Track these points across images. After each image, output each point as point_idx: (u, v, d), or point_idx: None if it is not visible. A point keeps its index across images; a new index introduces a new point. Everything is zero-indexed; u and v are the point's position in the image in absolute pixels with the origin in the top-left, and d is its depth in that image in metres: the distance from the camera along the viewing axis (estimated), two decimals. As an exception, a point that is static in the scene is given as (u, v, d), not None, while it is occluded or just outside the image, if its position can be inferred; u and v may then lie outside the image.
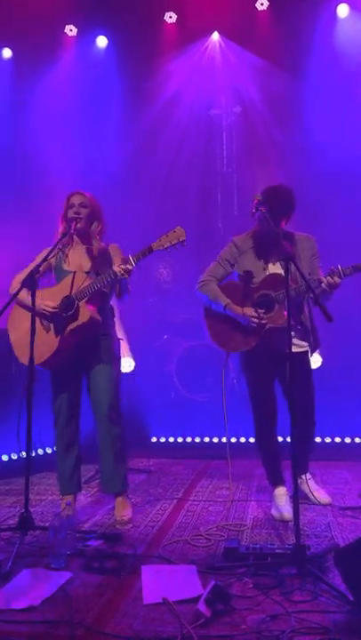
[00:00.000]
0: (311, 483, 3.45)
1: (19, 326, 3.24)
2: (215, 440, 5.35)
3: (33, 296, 2.94)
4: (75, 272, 3.21)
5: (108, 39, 6.49)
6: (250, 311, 3.23)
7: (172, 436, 5.44)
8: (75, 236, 3.31)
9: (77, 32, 6.48)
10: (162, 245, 3.06)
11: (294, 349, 3.04)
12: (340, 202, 5.47)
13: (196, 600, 2.08)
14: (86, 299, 3.11)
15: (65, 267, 3.30)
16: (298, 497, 2.56)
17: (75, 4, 6.29)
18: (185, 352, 5.69)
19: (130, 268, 3.05)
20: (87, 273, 3.22)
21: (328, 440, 5.09)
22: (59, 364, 3.22)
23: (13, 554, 2.52)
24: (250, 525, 3.09)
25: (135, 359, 5.50)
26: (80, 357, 3.24)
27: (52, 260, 3.27)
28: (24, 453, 2.82)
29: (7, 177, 5.99)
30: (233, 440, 5.13)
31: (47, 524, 2.73)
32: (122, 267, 3.04)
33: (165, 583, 2.30)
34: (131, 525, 3.11)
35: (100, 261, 3.29)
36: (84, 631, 1.96)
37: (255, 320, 3.20)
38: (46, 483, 4.04)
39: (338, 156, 5.50)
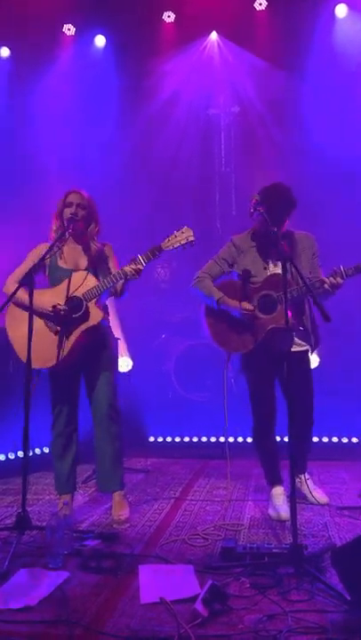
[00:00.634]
0: (310, 482, 3.45)
1: (20, 326, 3.12)
2: (213, 440, 5.34)
3: (30, 295, 2.90)
4: (73, 271, 3.18)
5: (106, 38, 6.50)
6: (247, 305, 3.22)
7: (170, 436, 5.43)
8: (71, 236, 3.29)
9: (76, 31, 6.48)
10: (171, 245, 3.05)
11: (295, 348, 3.04)
12: (339, 202, 5.48)
13: (193, 600, 2.08)
14: (95, 299, 3.10)
15: (61, 264, 3.26)
16: (295, 496, 2.56)
17: (73, 3, 6.30)
18: (183, 351, 5.68)
19: (140, 267, 3.05)
20: (86, 270, 3.19)
21: (326, 440, 5.08)
22: (67, 366, 3.16)
23: (10, 553, 2.51)
24: (247, 525, 3.09)
25: (133, 358, 5.50)
26: (79, 357, 3.23)
27: (47, 258, 3.24)
28: (21, 453, 2.81)
29: (7, 177, 5.97)
30: (231, 440, 5.12)
31: (44, 524, 2.73)
32: (132, 267, 3.03)
33: (163, 583, 2.30)
34: (128, 525, 3.10)
35: (97, 260, 3.28)
36: (83, 631, 1.96)
37: (249, 310, 3.19)
38: (44, 482, 4.03)
39: (337, 156, 5.51)
